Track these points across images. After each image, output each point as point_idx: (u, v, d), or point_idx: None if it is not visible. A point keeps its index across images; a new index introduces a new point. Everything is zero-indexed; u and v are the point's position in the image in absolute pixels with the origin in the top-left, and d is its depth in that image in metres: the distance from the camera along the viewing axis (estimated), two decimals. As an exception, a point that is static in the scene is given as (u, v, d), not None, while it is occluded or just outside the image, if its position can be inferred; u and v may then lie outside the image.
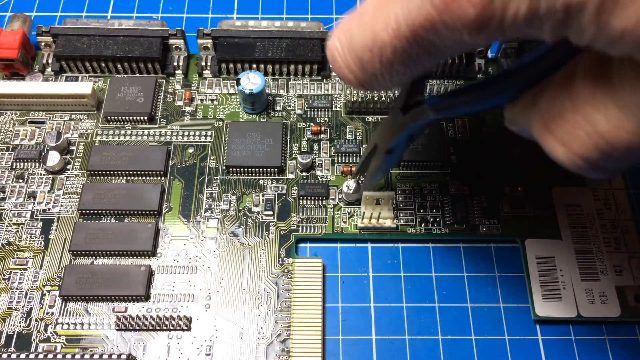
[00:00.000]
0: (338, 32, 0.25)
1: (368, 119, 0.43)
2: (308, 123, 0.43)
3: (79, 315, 0.36)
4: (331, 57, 0.25)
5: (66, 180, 0.40)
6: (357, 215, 0.39)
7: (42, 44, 0.44)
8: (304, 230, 0.39)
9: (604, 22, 0.17)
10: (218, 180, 0.40)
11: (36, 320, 0.35)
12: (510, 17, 0.19)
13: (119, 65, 0.44)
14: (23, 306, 0.36)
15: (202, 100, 0.44)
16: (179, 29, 0.44)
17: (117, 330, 0.35)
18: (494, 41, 0.21)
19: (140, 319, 0.35)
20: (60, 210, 0.39)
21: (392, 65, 0.23)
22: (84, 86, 0.42)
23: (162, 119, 0.43)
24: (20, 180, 0.40)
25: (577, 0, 0.17)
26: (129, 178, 0.40)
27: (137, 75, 0.44)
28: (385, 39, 0.22)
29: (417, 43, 0.22)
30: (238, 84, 0.41)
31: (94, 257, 0.37)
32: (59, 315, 0.35)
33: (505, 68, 0.25)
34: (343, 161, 0.41)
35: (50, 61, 0.44)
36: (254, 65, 0.43)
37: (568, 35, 0.19)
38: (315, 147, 0.42)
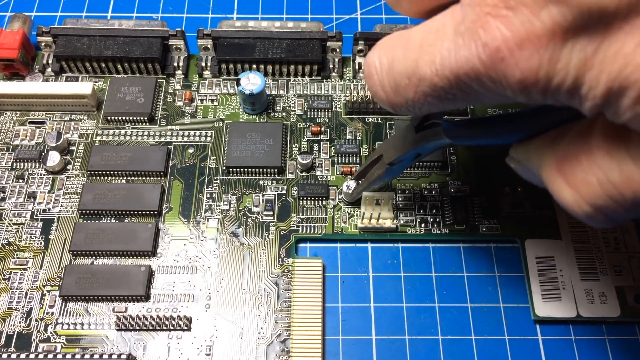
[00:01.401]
0: (380, 50, 0.25)
1: (368, 119, 0.43)
2: (308, 123, 0.43)
3: (79, 315, 0.36)
4: (367, 73, 0.26)
5: (66, 181, 0.40)
6: (357, 215, 0.39)
7: (42, 44, 0.44)
8: (304, 231, 0.39)
9: None
10: (218, 181, 0.40)
11: (36, 320, 0.35)
12: (552, 88, 0.19)
13: (119, 66, 0.44)
14: (23, 306, 0.36)
15: (202, 100, 0.44)
16: (179, 29, 0.44)
17: (117, 330, 0.35)
18: (536, 102, 0.21)
19: (140, 319, 0.35)
20: (60, 211, 0.39)
21: (426, 97, 0.23)
22: (84, 86, 0.42)
23: (162, 119, 0.43)
24: (21, 181, 0.40)
25: (618, 88, 0.18)
26: (129, 178, 0.40)
27: (137, 75, 0.44)
28: (426, 73, 0.22)
29: (458, 86, 0.22)
30: (238, 84, 0.41)
31: (94, 257, 0.37)
32: (59, 315, 0.35)
33: (529, 107, 0.26)
34: (343, 161, 0.41)
35: (50, 61, 0.44)
36: (254, 66, 0.43)
37: (605, 113, 0.20)
38: (315, 147, 0.42)
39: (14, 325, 0.35)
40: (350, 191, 0.39)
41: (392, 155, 0.34)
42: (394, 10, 0.26)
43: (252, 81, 0.41)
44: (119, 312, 0.35)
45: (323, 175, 0.41)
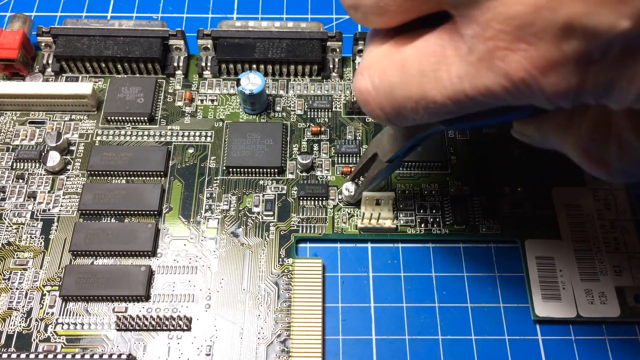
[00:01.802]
0: (369, 74, 0.24)
1: (368, 119, 0.43)
2: (308, 123, 0.43)
3: (79, 315, 0.36)
4: (362, 100, 0.25)
5: (66, 181, 0.40)
6: (357, 215, 0.39)
7: (43, 44, 0.44)
8: (304, 231, 0.39)
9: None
10: (218, 181, 0.40)
11: (36, 320, 0.35)
12: (581, 99, 0.20)
13: (119, 66, 0.44)
14: (23, 306, 0.36)
15: (202, 100, 0.44)
16: (179, 29, 0.44)
17: (117, 330, 0.35)
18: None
19: (140, 319, 0.35)
20: (60, 211, 0.39)
21: (437, 115, 0.23)
22: (84, 86, 0.42)
23: (162, 120, 0.43)
24: (21, 181, 0.40)
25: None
26: (129, 178, 0.40)
27: (137, 75, 0.44)
28: (436, 97, 0.22)
29: (474, 104, 0.22)
30: (238, 84, 0.41)
31: (94, 257, 0.37)
32: (59, 315, 0.35)
33: None
34: (343, 162, 0.41)
35: (50, 61, 0.44)
36: (254, 66, 0.43)
37: (608, 104, 0.20)
38: (315, 147, 0.42)
39: (14, 325, 0.35)
40: (352, 193, 0.38)
41: (388, 153, 0.34)
42: (361, 25, 0.26)
43: (252, 81, 0.41)
44: (119, 312, 0.35)
45: (323, 176, 0.41)
